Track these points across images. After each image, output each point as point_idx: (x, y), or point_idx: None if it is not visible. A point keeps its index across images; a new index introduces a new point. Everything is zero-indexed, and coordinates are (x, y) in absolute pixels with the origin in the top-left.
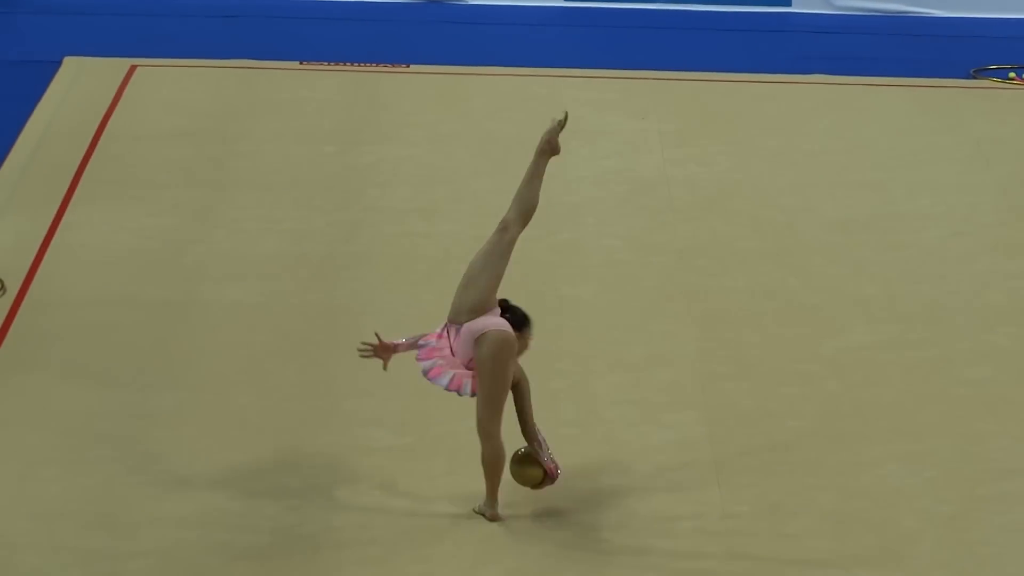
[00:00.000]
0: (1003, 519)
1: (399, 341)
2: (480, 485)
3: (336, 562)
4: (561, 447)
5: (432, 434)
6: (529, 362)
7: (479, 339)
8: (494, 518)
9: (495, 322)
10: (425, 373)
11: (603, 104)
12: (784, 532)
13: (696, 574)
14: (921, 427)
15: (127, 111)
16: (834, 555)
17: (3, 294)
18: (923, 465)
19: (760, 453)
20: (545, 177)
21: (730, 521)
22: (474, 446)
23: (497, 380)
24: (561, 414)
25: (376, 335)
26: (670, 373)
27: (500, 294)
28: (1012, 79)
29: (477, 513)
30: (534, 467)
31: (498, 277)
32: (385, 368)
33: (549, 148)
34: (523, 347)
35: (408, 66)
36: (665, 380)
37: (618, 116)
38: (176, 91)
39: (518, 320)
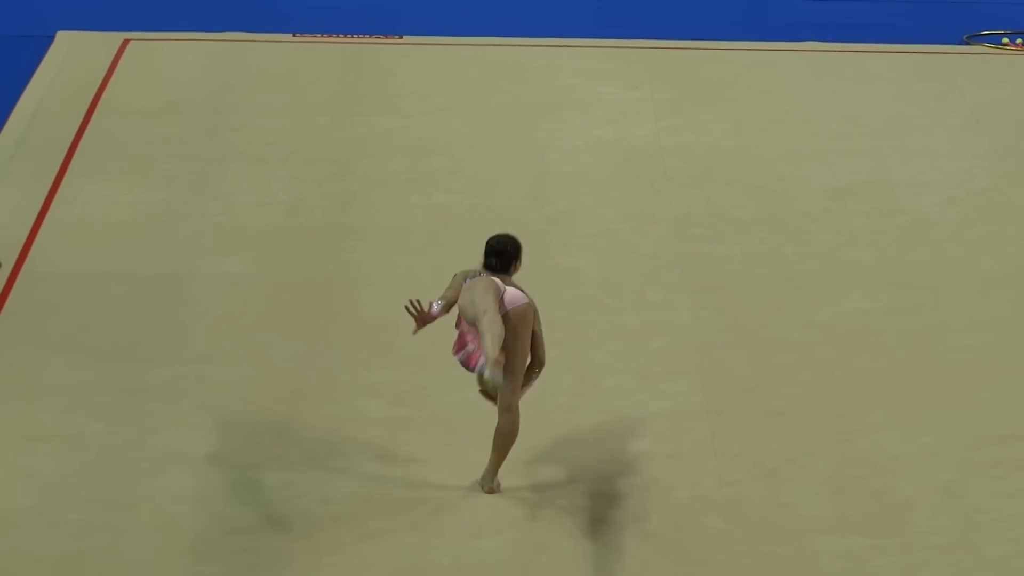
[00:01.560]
0: (1000, 484)
1: (435, 310)
2: (477, 455)
3: (334, 533)
4: (559, 416)
5: (429, 405)
6: None
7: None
8: (491, 491)
9: (510, 298)
10: (465, 364)
11: (596, 74)
12: (781, 500)
13: (694, 542)
14: (917, 394)
15: (120, 85)
16: (831, 522)
17: None
18: (920, 432)
19: (756, 421)
20: (537, 146)
21: (727, 489)
22: (469, 417)
23: (518, 354)
24: (558, 383)
25: (418, 302)
26: (666, 342)
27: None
28: (1005, 44)
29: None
30: None
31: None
32: (415, 334)
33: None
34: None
35: (401, 37)
36: (661, 349)
37: (612, 86)
38: (169, 65)
39: (508, 256)
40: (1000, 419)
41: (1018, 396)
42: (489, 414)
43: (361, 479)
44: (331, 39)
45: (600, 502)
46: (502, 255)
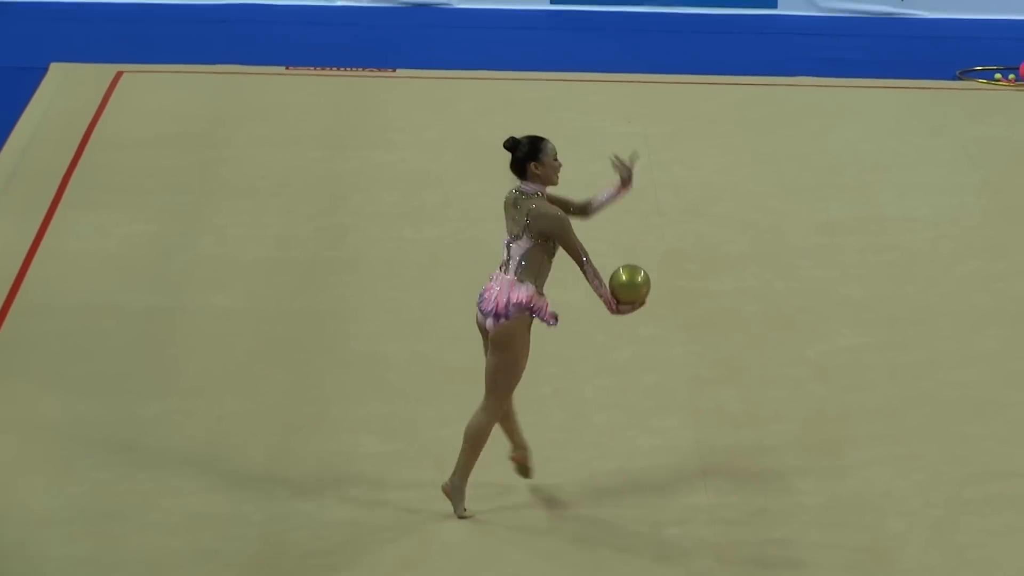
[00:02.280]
0: (990, 522)
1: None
2: (469, 490)
3: (326, 568)
4: (549, 451)
5: (420, 439)
6: None
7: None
8: (461, 514)
9: (514, 303)
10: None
11: (589, 108)
12: (772, 536)
13: None
14: (908, 430)
15: (113, 117)
16: (822, 559)
17: None
18: (910, 468)
19: (747, 457)
20: None
21: (718, 526)
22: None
23: (503, 369)
24: (549, 419)
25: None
26: (657, 377)
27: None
28: (998, 80)
29: (444, 493)
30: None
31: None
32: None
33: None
34: (549, 175)
35: (394, 70)
36: (652, 384)
37: (604, 120)
38: (162, 97)
39: (524, 154)
40: (991, 456)
41: (1009, 433)
42: (484, 449)
43: (353, 513)
44: (324, 72)
45: (591, 538)
46: (514, 156)
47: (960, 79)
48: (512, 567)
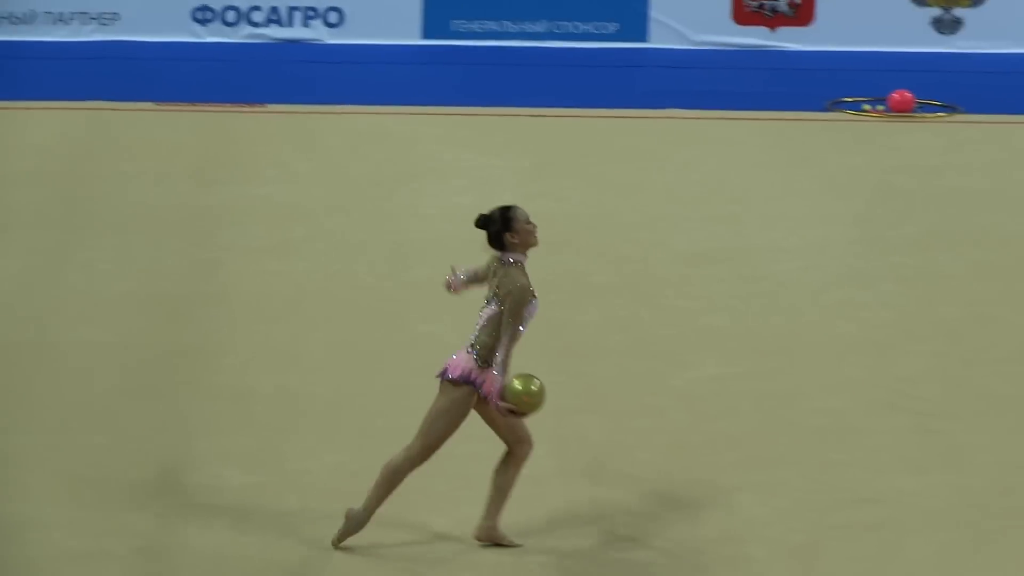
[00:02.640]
0: (852, 547)
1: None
2: (334, 521)
3: None
4: (412, 481)
5: (285, 471)
6: (383, 400)
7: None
8: (334, 542)
9: (453, 373)
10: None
11: (457, 141)
12: (636, 561)
13: None
14: (772, 457)
15: None
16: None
17: None
18: (774, 495)
19: (610, 486)
20: (397, 214)
21: (580, 556)
22: (324, 484)
23: (433, 434)
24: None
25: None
26: None
27: (357, 332)
28: (866, 111)
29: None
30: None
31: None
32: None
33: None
34: (526, 239)
35: (264, 105)
36: None
37: (472, 153)
38: (30, 133)
39: (498, 228)
40: (853, 482)
41: (871, 460)
42: (345, 482)
43: (216, 546)
44: (193, 107)
45: (451, 568)
46: (488, 232)
47: (829, 110)
48: None
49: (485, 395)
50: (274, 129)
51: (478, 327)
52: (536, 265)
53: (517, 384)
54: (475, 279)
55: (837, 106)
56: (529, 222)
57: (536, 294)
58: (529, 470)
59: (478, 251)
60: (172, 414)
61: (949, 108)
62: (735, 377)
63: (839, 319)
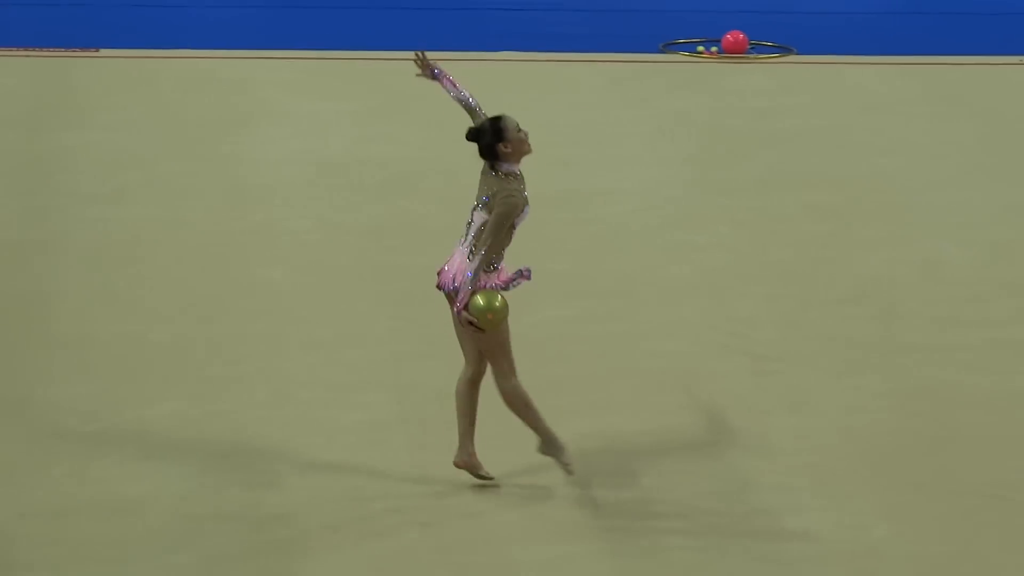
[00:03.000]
0: (689, 492)
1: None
2: (177, 469)
3: (29, 554)
4: (253, 428)
5: (125, 419)
6: (222, 347)
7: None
8: (567, 465)
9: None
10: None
11: (291, 85)
12: (476, 509)
13: (392, 553)
14: (611, 400)
15: None
16: (527, 530)
17: None
18: (614, 437)
19: (452, 430)
20: (232, 159)
21: (423, 499)
22: (167, 430)
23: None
24: (252, 395)
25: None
26: (361, 353)
27: (195, 278)
28: (700, 52)
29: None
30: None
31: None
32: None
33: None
34: (519, 148)
35: (97, 50)
36: (356, 360)
37: (306, 96)
38: None
39: (489, 139)
40: (692, 426)
41: (710, 402)
42: (184, 429)
43: (56, 495)
44: (24, 52)
45: (296, 515)
46: (479, 144)
47: (664, 52)
48: (221, 542)
49: (500, 284)
50: (107, 74)
51: (471, 232)
52: (374, 210)
53: (480, 299)
54: (456, 96)
55: (671, 47)
56: (520, 130)
57: (528, 201)
58: (370, 415)
59: (318, 194)
60: (8, 363)
61: (782, 49)
62: (574, 320)
63: (675, 261)
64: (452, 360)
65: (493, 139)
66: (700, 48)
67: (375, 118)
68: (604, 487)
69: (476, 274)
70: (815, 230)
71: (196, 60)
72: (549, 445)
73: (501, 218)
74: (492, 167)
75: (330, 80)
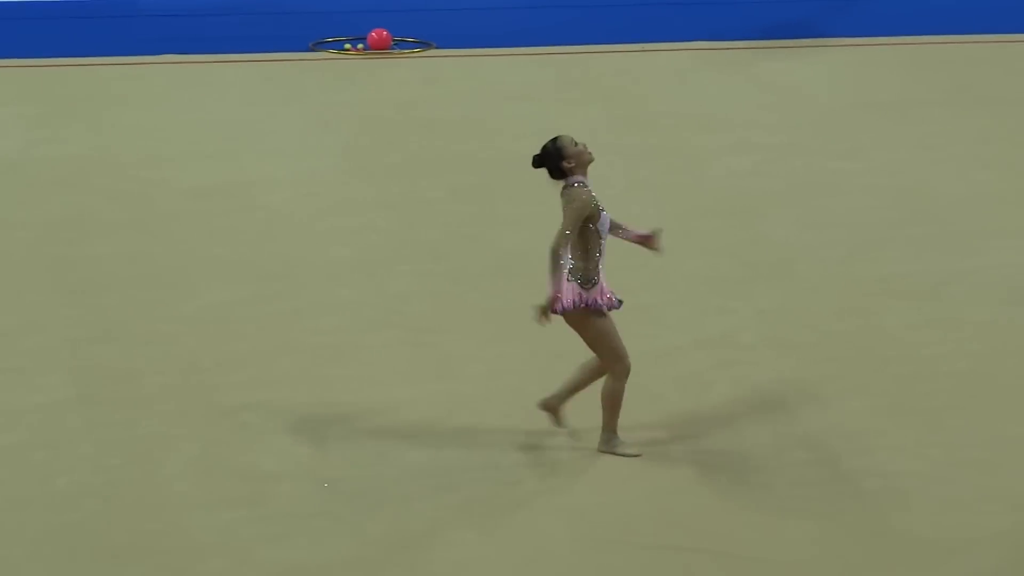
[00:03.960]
0: (352, 456)
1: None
2: None
3: None
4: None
5: None
6: None
7: None
8: (626, 451)
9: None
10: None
11: None
12: (154, 480)
13: (74, 523)
14: (278, 375)
15: None
16: (201, 498)
17: None
18: (279, 411)
19: (129, 408)
20: None
21: (104, 473)
22: None
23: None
24: None
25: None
26: (40, 339)
27: None
28: (348, 50)
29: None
30: None
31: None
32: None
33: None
34: (581, 159)
35: None
36: (35, 346)
37: None
38: None
39: (554, 162)
40: (355, 395)
41: (369, 374)
42: None
43: None
44: None
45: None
46: (548, 168)
47: (313, 50)
48: None
49: (596, 305)
50: None
51: (569, 254)
52: (47, 207)
53: None
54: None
55: (320, 46)
56: (576, 144)
57: (603, 208)
58: (50, 396)
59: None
60: None
61: (423, 44)
62: (240, 302)
63: (332, 244)
64: (126, 343)
65: (557, 160)
66: (347, 46)
67: (45, 121)
68: (269, 453)
69: (559, 270)
70: (461, 210)
71: None
72: (609, 443)
73: (573, 213)
74: (564, 186)
75: (4, 86)
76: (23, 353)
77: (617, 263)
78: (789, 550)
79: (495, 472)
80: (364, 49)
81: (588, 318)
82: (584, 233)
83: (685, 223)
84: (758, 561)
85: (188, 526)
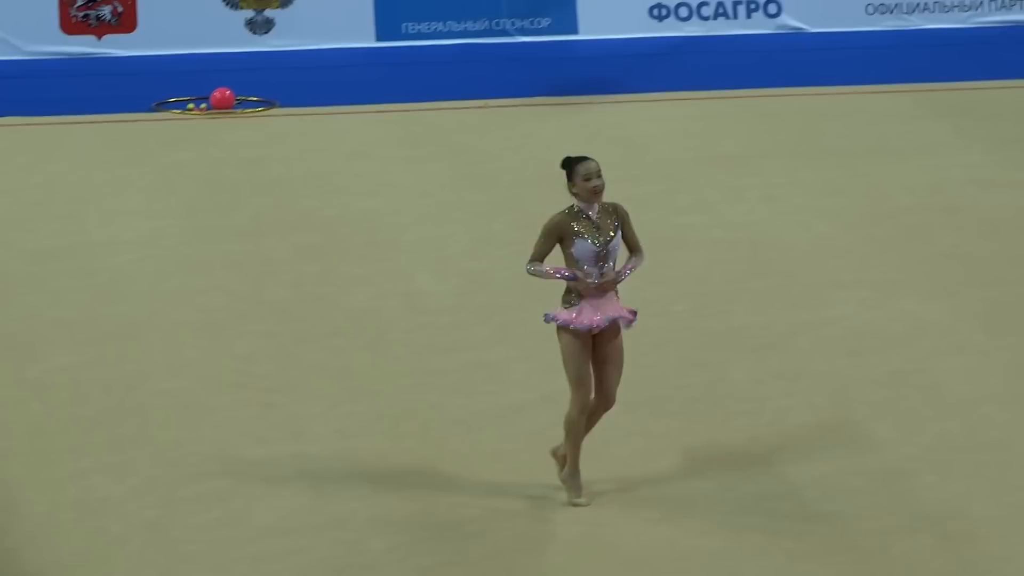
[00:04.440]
0: (201, 518)
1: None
2: None
3: None
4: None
5: None
6: None
7: None
8: (575, 502)
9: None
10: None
11: None
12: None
13: None
14: (123, 438)
15: None
16: (44, 565)
17: None
18: (126, 474)
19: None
20: None
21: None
22: None
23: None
24: None
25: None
26: None
27: None
28: (191, 110)
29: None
30: None
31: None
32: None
33: None
34: (580, 193)
35: None
36: None
37: None
38: None
39: (565, 175)
40: (200, 457)
41: (216, 435)
42: None
43: None
44: None
45: None
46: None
47: (156, 111)
48: None
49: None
50: None
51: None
52: None
53: None
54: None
55: (163, 106)
56: (588, 180)
57: (586, 237)
58: None
59: None
60: None
61: (266, 103)
62: (84, 365)
63: (177, 305)
64: None
65: (567, 176)
66: (191, 106)
67: None
68: (118, 519)
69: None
70: (306, 270)
71: None
72: (566, 482)
73: (542, 232)
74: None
75: None
76: None
77: (462, 319)
78: None
79: (343, 533)
80: (207, 109)
81: (560, 335)
82: (567, 257)
83: (530, 279)
84: None
85: None
